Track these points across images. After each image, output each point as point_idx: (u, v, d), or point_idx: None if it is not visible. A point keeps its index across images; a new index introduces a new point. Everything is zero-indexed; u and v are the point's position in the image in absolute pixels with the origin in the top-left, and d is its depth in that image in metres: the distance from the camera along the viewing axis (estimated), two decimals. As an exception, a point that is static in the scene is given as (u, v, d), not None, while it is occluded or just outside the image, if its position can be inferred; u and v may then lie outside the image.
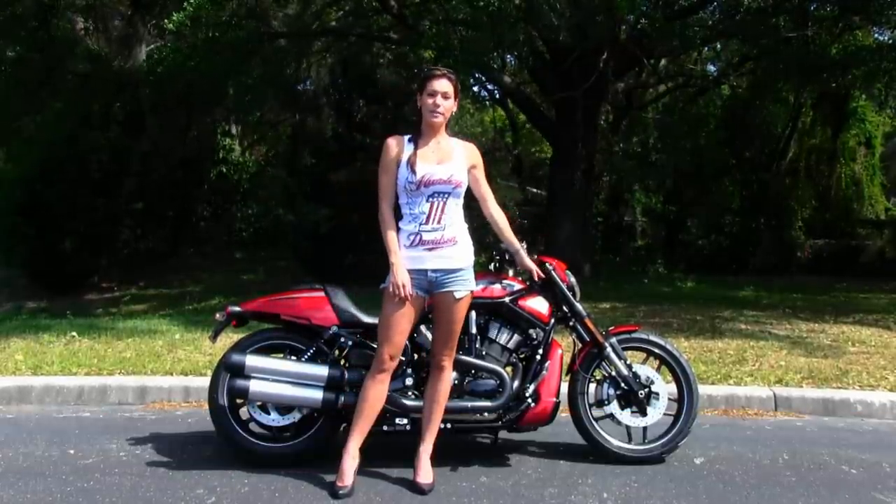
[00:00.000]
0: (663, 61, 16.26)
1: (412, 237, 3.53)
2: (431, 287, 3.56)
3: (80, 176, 15.44)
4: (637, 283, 13.32)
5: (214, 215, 20.72)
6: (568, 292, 4.03)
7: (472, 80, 15.16)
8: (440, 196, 3.53)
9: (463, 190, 3.62)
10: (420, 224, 3.53)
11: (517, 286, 4.01)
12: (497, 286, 3.97)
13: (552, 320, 4.01)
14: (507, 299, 3.95)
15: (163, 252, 18.56)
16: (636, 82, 17.03)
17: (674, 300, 10.37)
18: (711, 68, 18.39)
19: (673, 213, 18.81)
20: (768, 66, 13.51)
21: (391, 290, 3.49)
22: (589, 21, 10.99)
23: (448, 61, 10.35)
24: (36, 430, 4.50)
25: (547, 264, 4.04)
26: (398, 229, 3.58)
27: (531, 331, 3.97)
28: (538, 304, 3.99)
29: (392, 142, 3.62)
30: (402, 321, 3.54)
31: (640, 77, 17.02)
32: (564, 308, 4.05)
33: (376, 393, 3.59)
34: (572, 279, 4.09)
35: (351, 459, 3.53)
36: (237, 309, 3.97)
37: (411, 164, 3.50)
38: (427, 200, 3.53)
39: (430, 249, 3.52)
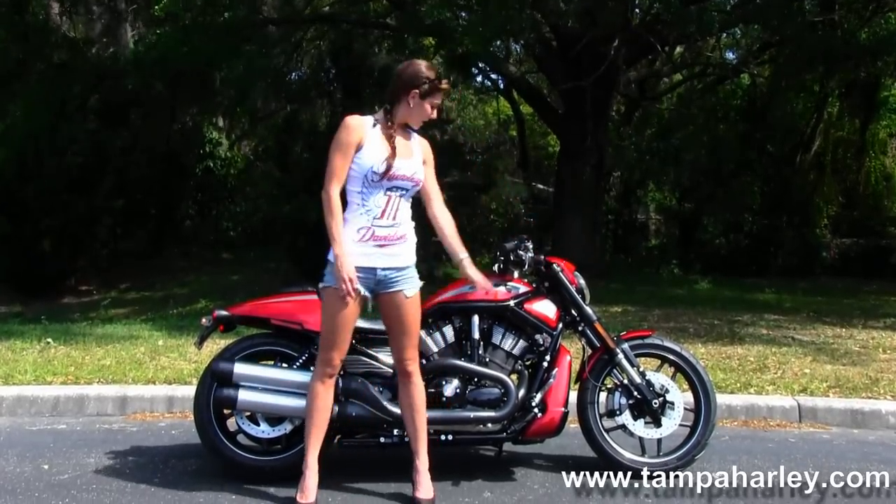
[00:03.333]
0: (679, 49, 16.24)
1: (363, 231, 3.47)
2: (378, 287, 3.53)
3: (56, 171, 15.44)
4: (650, 284, 13.30)
5: (200, 213, 20.72)
6: (577, 295, 4.03)
7: (475, 70, 15.15)
8: (398, 191, 3.50)
9: (418, 189, 3.60)
10: (374, 218, 3.47)
11: (523, 289, 4.01)
12: (501, 289, 3.97)
13: (560, 325, 4.01)
14: (511, 303, 3.95)
15: (145, 252, 18.56)
16: (649, 71, 17.01)
17: (689, 303, 10.36)
18: (730, 56, 18.39)
19: (689, 211, 18.77)
20: (791, 54, 13.49)
21: (339, 287, 3.40)
22: (599, 5, 10.98)
23: (451, 46, 10.35)
24: (7, 444, 4.49)
25: (554, 265, 4.04)
26: (344, 220, 3.50)
27: (538, 336, 3.97)
28: (545, 308, 3.99)
29: (354, 122, 3.52)
30: (350, 320, 3.51)
31: (654, 66, 17.00)
32: (573, 312, 4.05)
33: (326, 400, 3.59)
34: (581, 281, 4.09)
35: (314, 474, 3.54)
36: (224, 313, 3.97)
37: (387, 157, 3.44)
38: (385, 194, 3.48)
39: (381, 246, 3.48)
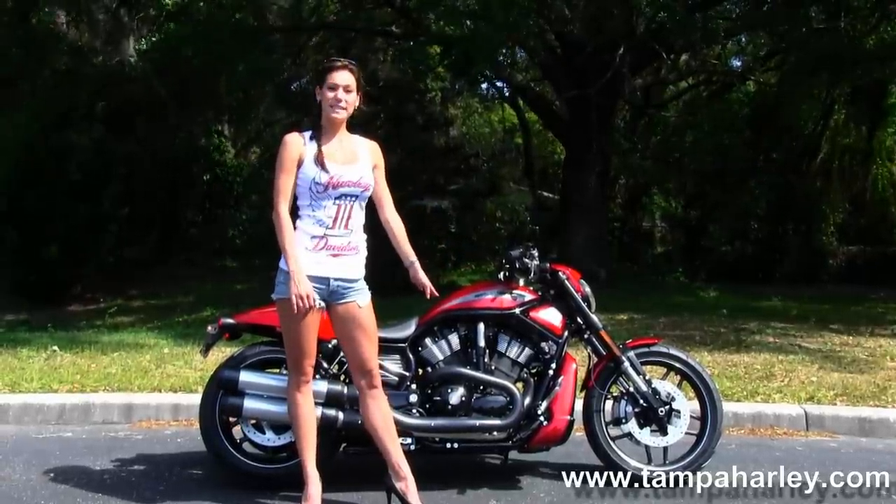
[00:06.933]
0: (684, 56, 16.26)
1: (317, 240, 3.46)
2: (330, 298, 3.50)
3: (60, 178, 15.44)
4: (656, 292, 13.26)
5: (206, 221, 20.74)
6: (582, 303, 4.04)
7: (480, 77, 15.17)
8: (348, 199, 3.49)
9: (370, 193, 3.58)
10: (327, 228, 3.46)
11: (528, 296, 4.01)
12: (507, 296, 3.97)
13: (566, 333, 4.01)
14: (517, 310, 3.96)
15: (150, 260, 18.58)
16: (654, 79, 17.02)
17: (695, 311, 10.33)
18: (736, 63, 18.39)
19: (694, 218, 18.76)
20: (797, 61, 13.48)
21: (294, 302, 3.36)
22: (604, 13, 10.99)
23: (453, 58, 10.35)
24: (13, 452, 4.49)
25: (560, 273, 4.05)
26: (295, 230, 3.49)
27: (543, 344, 3.98)
28: (551, 316, 4.00)
29: (292, 139, 3.53)
30: (311, 328, 3.49)
31: (659, 73, 17.02)
32: (579, 320, 4.05)
33: (307, 408, 3.58)
34: (587, 289, 4.10)
35: (315, 483, 3.53)
36: (230, 321, 3.99)
37: (321, 164, 3.44)
38: (334, 203, 3.47)
39: (335, 256, 3.47)
